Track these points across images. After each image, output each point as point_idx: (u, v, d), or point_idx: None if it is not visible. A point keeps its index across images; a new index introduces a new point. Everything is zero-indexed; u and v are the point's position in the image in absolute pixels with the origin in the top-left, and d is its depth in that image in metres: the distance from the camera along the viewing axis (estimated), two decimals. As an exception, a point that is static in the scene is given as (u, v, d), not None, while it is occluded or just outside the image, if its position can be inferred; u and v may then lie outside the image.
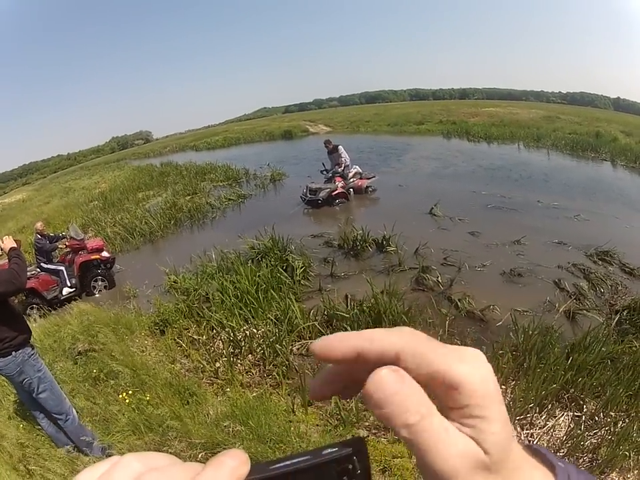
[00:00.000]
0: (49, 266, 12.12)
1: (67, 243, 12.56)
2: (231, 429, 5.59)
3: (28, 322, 5.44)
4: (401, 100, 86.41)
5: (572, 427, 5.56)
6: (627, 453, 4.98)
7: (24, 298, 11.85)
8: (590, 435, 5.43)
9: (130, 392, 6.47)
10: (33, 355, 5.08)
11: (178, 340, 8.48)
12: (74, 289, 12.07)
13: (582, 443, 5.28)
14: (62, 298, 11.81)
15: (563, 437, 5.46)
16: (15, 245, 4.85)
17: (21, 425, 6.18)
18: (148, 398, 6.40)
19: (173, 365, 7.66)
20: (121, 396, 6.45)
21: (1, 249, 4.84)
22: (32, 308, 11.51)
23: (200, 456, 5.26)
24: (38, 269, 12.03)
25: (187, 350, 8.16)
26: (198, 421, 5.91)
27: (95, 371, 7.37)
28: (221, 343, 8.20)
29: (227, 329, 8.40)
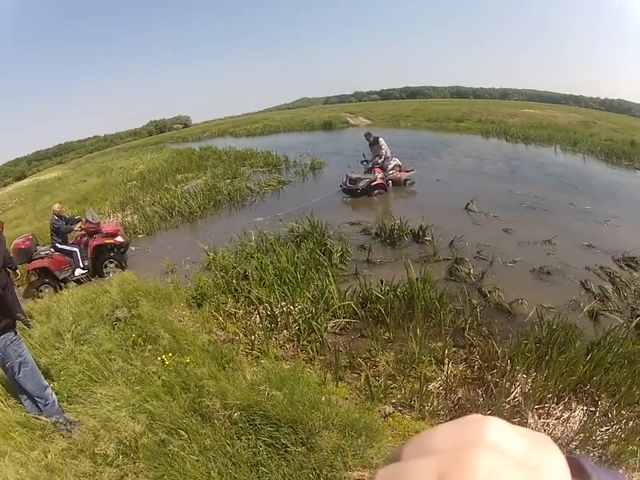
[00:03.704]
0: (64, 247, 12.31)
1: (82, 226, 12.69)
2: (267, 393, 5.72)
3: (20, 306, 5.60)
4: (442, 97, 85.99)
5: (585, 420, 5.69)
6: (634, 448, 5.11)
7: (37, 277, 12.23)
8: (602, 431, 5.56)
9: (170, 354, 6.66)
10: (15, 340, 5.27)
11: (215, 313, 8.66)
12: (86, 271, 12.29)
13: (593, 438, 5.42)
14: (73, 279, 12.00)
15: (576, 429, 5.61)
16: None
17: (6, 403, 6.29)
18: (188, 360, 6.57)
19: (209, 336, 7.81)
20: (159, 358, 6.64)
21: None
22: (45, 286, 11.82)
23: (235, 416, 5.42)
24: (52, 249, 12.23)
25: (223, 323, 8.33)
26: (234, 385, 6.06)
27: (133, 335, 7.54)
28: (258, 317, 8.35)
29: (264, 304, 8.59)
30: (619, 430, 5.51)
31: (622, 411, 5.83)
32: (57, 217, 12.23)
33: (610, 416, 5.80)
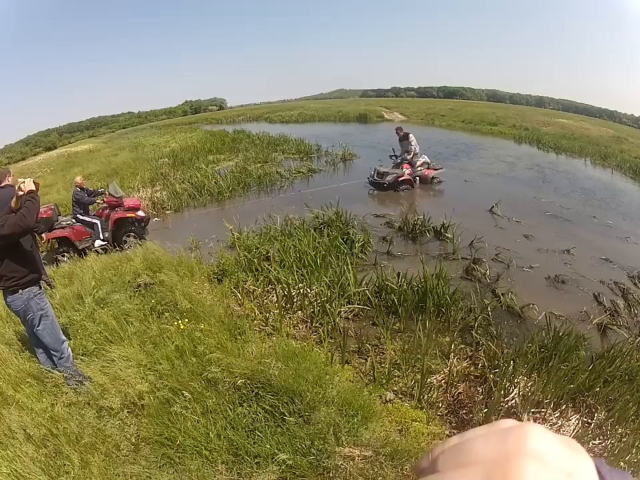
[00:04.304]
0: (85, 218, 12.59)
1: (104, 199, 12.99)
2: (272, 365, 5.92)
3: (44, 268, 5.88)
4: (478, 99, 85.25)
5: (579, 430, 5.71)
6: (624, 466, 5.13)
7: (57, 246, 12.54)
8: (595, 444, 5.60)
9: (186, 320, 6.90)
10: (38, 294, 5.58)
11: (234, 290, 8.85)
12: (105, 242, 12.53)
13: (586, 449, 5.42)
14: (93, 249, 12.17)
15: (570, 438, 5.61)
16: (34, 188, 5.19)
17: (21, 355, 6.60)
18: (202, 327, 6.80)
19: (226, 309, 7.99)
20: (176, 323, 6.86)
21: (22, 190, 5.11)
22: (63, 255, 12.08)
23: (239, 382, 5.65)
24: (73, 220, 12.52)
25: (241, 299, 8.53)
26: (243, 355, 6.28)
27: (153, 301, 7.82)
28: (275, 297, 8.54)
29: (282, 285, 8.76)
30: (612, 445, 5.55)
31: (617, 426, 5.87)
32: (79, 189, 12.53)
33: (604, 429, 5.86)
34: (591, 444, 5.55)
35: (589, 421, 6.03)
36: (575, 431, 5.71)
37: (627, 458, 5.24)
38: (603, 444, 5.60)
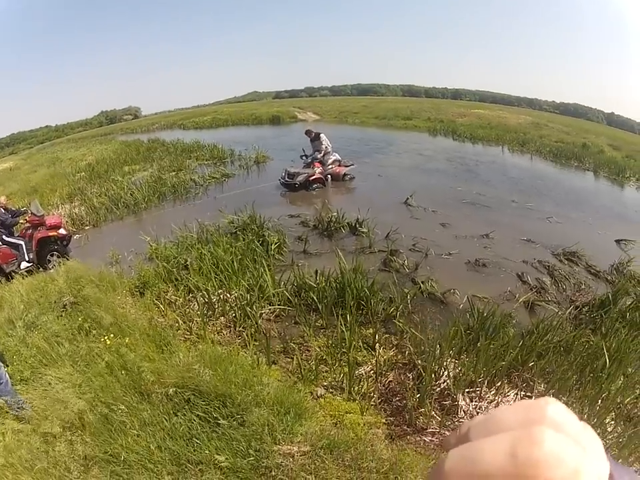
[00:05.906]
0: (10, 239, 12.34)
1: (27, 218, 12.75)
2: (200, 371, 6.18)
3: None
4: (393, 95, 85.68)
5: None
6: None
7: None
8: None
9: (112, 336, 7.10)
10: None
11: (156, 301, 9.01)
12: (31, 264, 12.35)
13: None
14: (19, 272, 12.01)
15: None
16: None
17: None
18: (127, 341, 7.03)
19: (150, 321, 8.19)
20: (102, 339, 7.06)
21: None
22: None
23: (171, 392, 5.88)
24: None
25: (164, 310, 8.70)
26: (170, 364, 6.51)
27: (79, 319, 7.95)
28: (196, 305, 8.75)
29: (202, 292, 8.96)
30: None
31: (560, 395, 6.12)
32: (3, 210, 12.33)
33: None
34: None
35: (529, 394, 6.34)
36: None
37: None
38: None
